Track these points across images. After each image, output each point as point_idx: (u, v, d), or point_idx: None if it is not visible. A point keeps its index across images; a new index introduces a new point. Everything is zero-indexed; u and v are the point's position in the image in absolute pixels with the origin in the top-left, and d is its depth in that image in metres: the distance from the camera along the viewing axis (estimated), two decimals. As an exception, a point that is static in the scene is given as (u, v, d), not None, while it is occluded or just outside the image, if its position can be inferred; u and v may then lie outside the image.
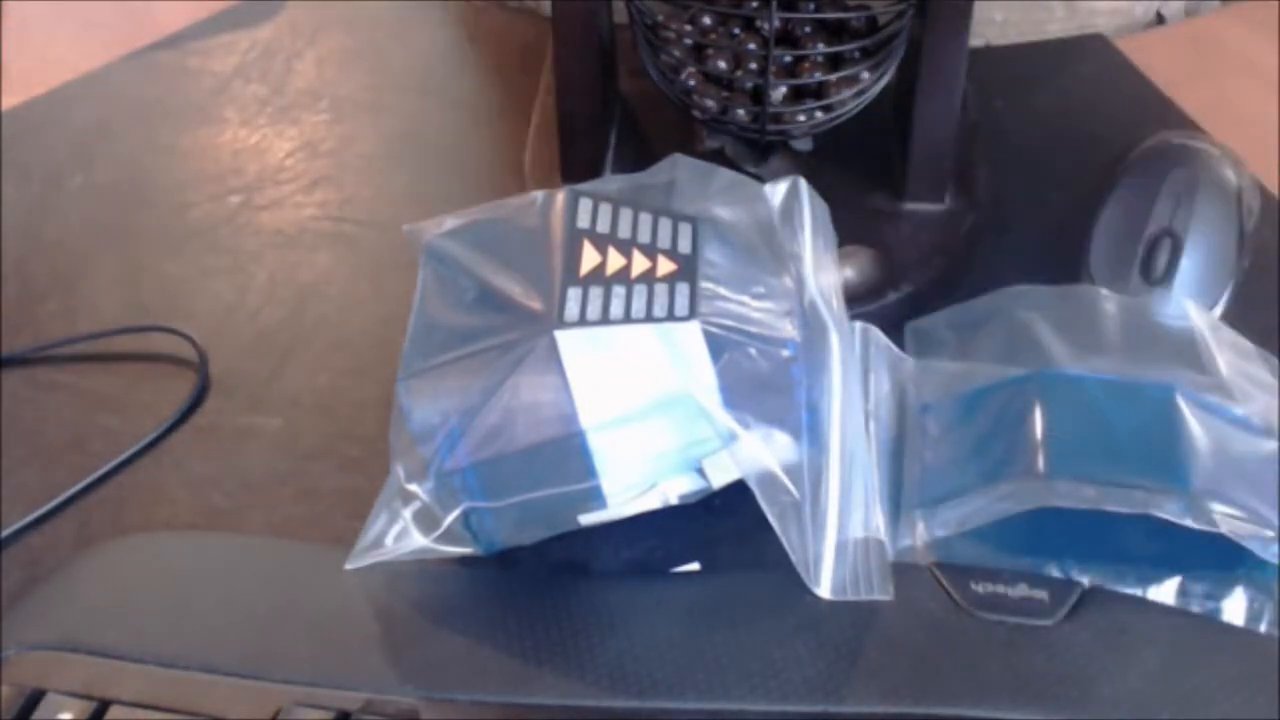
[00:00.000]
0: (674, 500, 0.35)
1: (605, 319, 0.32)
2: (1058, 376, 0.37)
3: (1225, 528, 0.32)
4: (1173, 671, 0.31)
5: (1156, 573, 0.34)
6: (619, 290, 0.33)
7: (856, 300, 0.42)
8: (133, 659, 0.32)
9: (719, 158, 0.48)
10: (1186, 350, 0.39)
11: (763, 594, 0.33)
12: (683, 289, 0.33)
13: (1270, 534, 0.32)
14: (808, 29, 0.46)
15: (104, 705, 0.30)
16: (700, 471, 0.34)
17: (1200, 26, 0.63)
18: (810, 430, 0.33)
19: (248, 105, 0.61)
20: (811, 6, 0.47)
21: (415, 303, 0.35)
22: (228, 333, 0.48)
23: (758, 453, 0.32)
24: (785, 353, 0.32)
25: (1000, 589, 0.33)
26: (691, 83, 0.46)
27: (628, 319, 0.32)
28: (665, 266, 0.34)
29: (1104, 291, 0.42)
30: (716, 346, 0.32)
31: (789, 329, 0.33)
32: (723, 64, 0.46)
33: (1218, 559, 0.33)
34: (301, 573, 0.36)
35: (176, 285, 0.50)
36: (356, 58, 0.64)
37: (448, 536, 0.34)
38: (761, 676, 0.31)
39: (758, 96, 0.45)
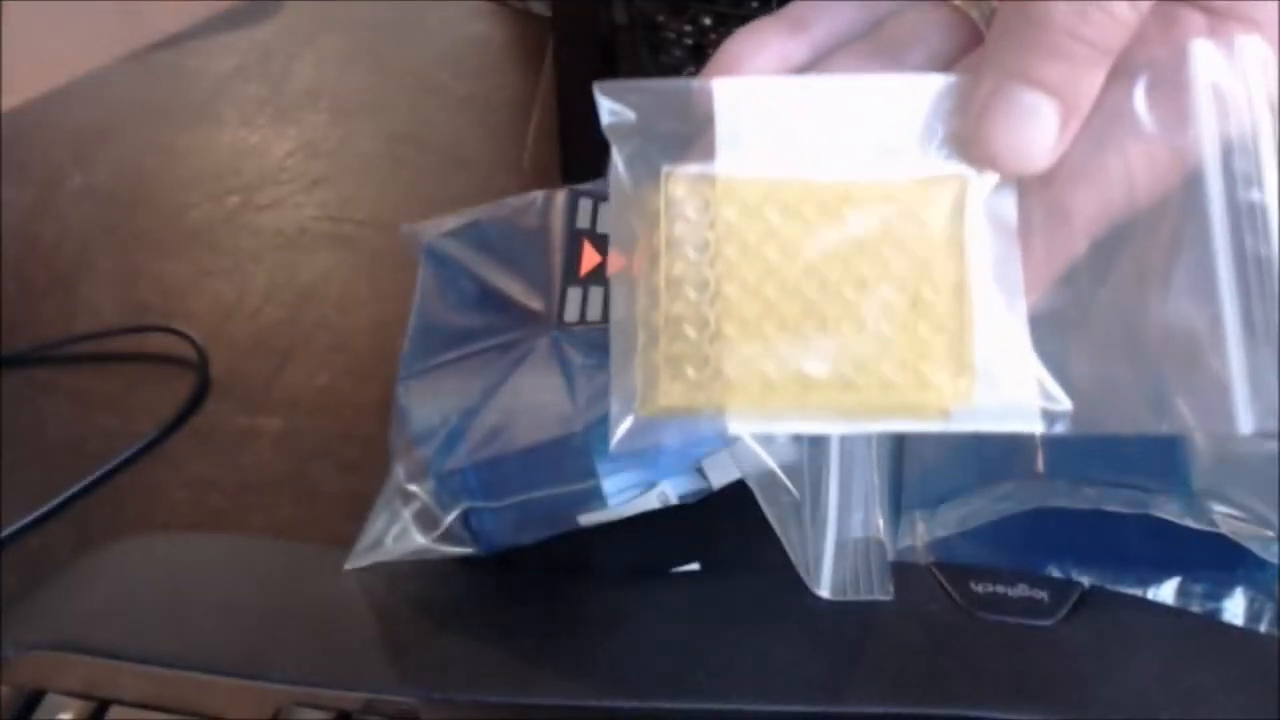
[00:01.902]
0: (674, 500, 0.35)
1: (605, 319, 0.32)
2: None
3: (1225, 528, 0.32)
4: (1173, 671, 0.31)
5: (1156, 573, 0.34)
6: (619, 290, 0.33)
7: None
8: (132, 659, 0.32)
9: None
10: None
11: (763, 594, 0.33)
12: (683, 289, 0.33)
13: (1270, 534, 0.32)
14: (807, 29, 0.46)
15: (104, 705, 0.30)
16: (700, 471, 0.34)
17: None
18: (810, 430, 0.33)
19: (247, 105, 0.61)
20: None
21: (415, 303, 0.35)
22: (227, 333, 0.48)
23: (758, 453, 0.32)
24: (785, 353, 0.32)
25: (1000, 589, 0.33)
26: (691, 83, 0.46)
27: (628, 319, 0.32)
28: (665, 267, 0.34)
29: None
30: (716, 346, 0.32)
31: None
32: (722, 64, 0.46)
33: (1218, 559, 0.33)
34: (301, 573, 0.36)
35: (176, 286, 0.50)
36: (356, 58, 0.64)
37: (448, 536, 0.34)
38: (761, 676, 0.31)
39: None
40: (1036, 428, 0.22)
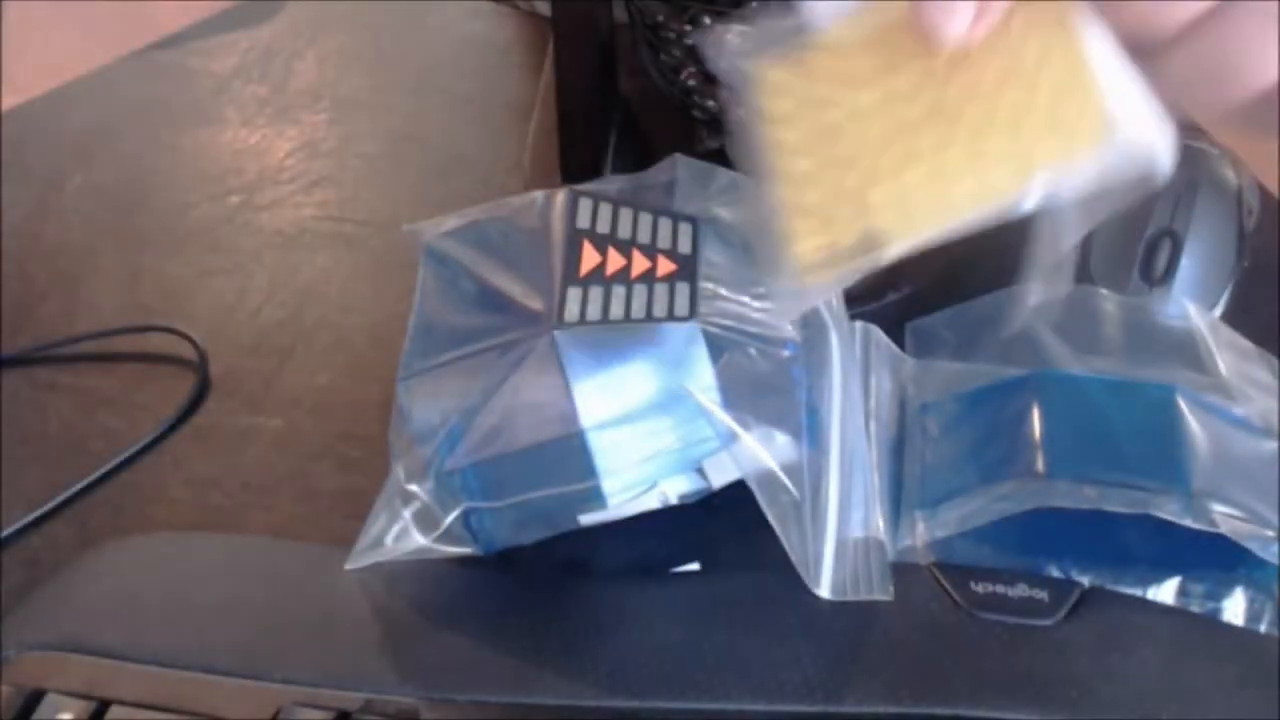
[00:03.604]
0: (674, 500, 0.35)
1: (605, 319, 0.32)
2: (1058, 376, 0.37)
3: (1225, 528, 0.32)
4: (1173, 671, 0.31)
5: (1156, 573, 0.34)
6: (619, 290, 0.33)
7: (856, 300, 0.42)
8: (133, 659, 0.32)
9: (719, 158, 0.47)
10: (1186, 350, 0.39)
11: (763, 594, 0.33)
12: (683, 289, 0.33)
13: (1270, 534, 0.32)
14: (808, 29, 0.46)
15: (104, 705, 0.30)
16: (700, 471, 0.34)
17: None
18: (810, 430, 0.33)
19: (248, 105, 0.61)
20: (811, 6, 0.47)
21: (415, 303, 0.35)
22: (228, 333, 0.48)
23: (758, 453, 0.32)
24: (785, 353, 0.32)
25: (1000, 589, 0.33)
26: (691, 83, 0.46)
27: (628, 319, 0.32)
28: (665, 266, 0.34)
29: (1104, 291, 0.42)
30: (716, 346, 0.32)
31: (789, 329, 0.33)
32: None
33: (1218, 559, 0.33)
34: (301, 573, 0.36)
35: (176, 285, 0.50)
36: (356, 58, 0.64)
37: (448, 536, 0.34)
38: (761, 676, 0.31)
39: (758, 96, 0.45)
40: (1168, 164, 0.25)
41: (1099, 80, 0.25)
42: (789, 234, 0.27)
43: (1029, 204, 0.26)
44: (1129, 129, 0.25)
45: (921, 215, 0.26)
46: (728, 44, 0.28)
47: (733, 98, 0.28)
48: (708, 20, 0.47)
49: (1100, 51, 0.26)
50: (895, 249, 0.26)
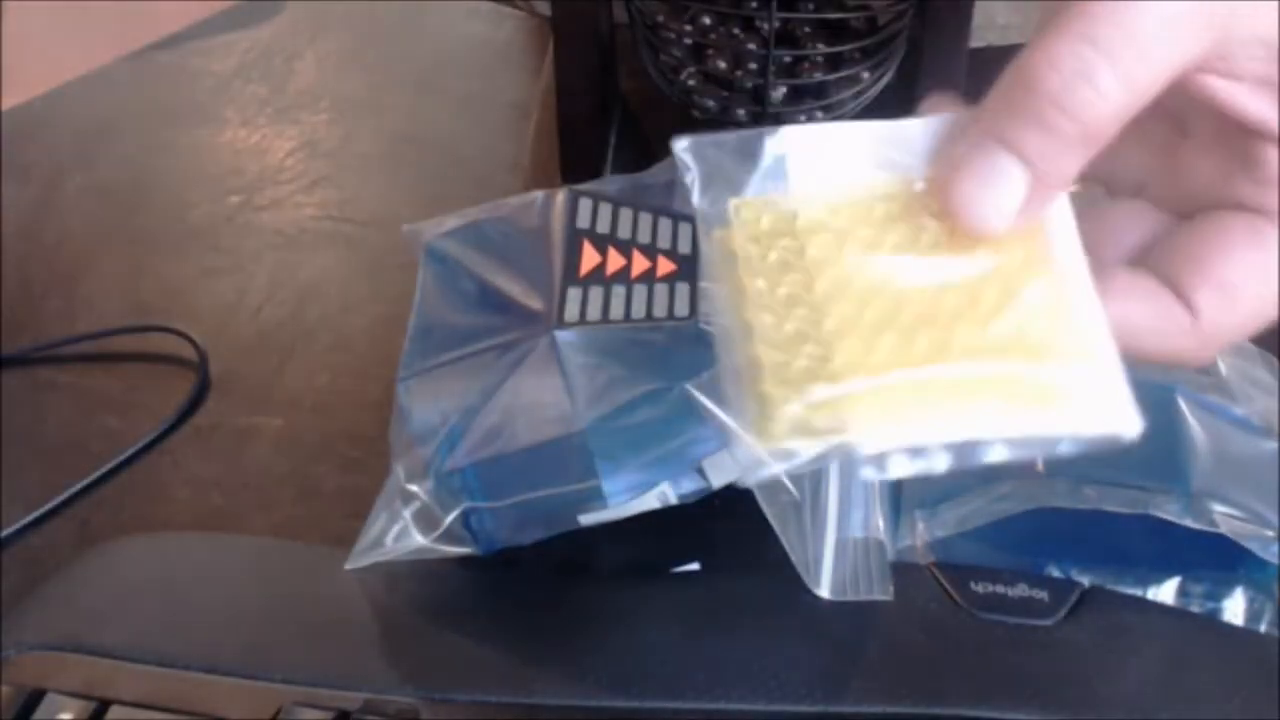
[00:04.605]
0: (674, 500, 0.35)
1: (605, 319, 0.32)
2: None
3: (1225, 528, 0.32)
4: (1173, 671, 0.31)
5: (1156, 573, 0.34)
6: (619, 290, 0.33)
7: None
8: (133, 659, 0.32)
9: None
10: (1186, 350, 0.39)
11: (763, 594, 0.33)
12: (683, 289, 0.33)
13: (1270, 534, 0.32)
14: (807, 29, 0.46)
15: (104, 705, 0.30)
16: (700, 471, 0.34)
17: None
18: (810, 430, 0.33)
19: (248, 105, 0.61)
20: (811, 6, 0.47)
21: (415, 303, 0.35)
22: (228, 333, 0.48)
23: (758, 453, 0.32)
24: (785, 353, 0.32)
25: (1000, 589, 0.33)
26: (691, 83, 0.46)
27: (628, 319, 0.32)
28: (665, 266, 0.34)
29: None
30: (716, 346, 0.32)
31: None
32: (723, 64, 0.46)
33: (1218, 559, 0.33)
34: (301, 573, 0.36)
35: (176, 285, 0.50)
36: (356, 58, 0.64)
37: (448, 536, 0.34)
38: (761, 676, 0.31)
39: (758, 96, 0.45)
40: (1135, 429, 0.22)
41: (1090, 348, 0.23)
42: (758, 399, 0.24)
43: (1003, 454, 0.23)
44: (1107, 403, 0.23)
45: (900, 425, 0.23)
46: (704, 155, 0.25)
47: (700, 230, 0.25)
48: (707, 20, 0.47)
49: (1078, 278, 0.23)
50: (868, 448, 0.23)
